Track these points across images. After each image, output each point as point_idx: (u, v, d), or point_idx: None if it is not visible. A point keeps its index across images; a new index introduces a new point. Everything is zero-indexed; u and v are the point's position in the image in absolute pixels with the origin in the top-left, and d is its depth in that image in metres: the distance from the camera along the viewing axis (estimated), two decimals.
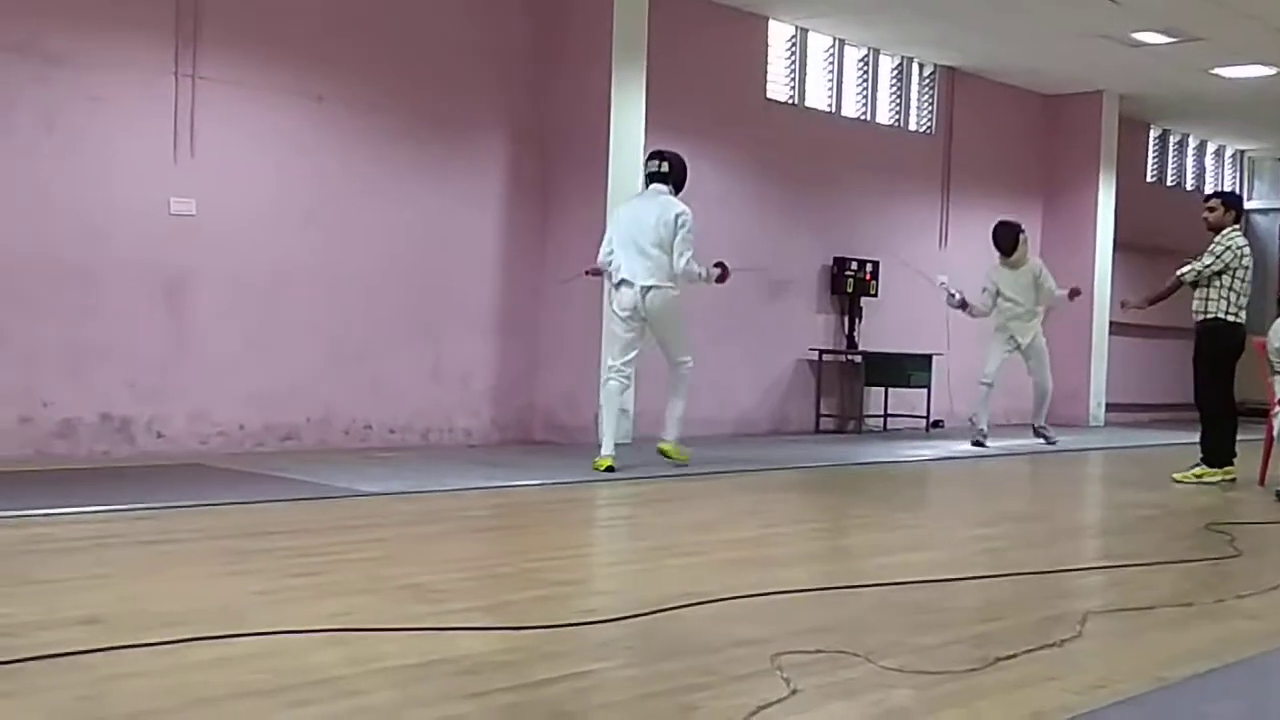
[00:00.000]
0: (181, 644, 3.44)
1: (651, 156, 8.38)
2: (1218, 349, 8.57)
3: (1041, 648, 3.72)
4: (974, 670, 3.44)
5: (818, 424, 11.97)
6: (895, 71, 13.09)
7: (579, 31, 9.87)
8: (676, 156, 8.26)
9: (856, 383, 12.22)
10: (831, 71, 12.39)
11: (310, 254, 8.69)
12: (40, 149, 7.54)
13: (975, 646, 3.71)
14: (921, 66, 13.32)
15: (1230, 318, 8.51)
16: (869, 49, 12.67)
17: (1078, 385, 14.16)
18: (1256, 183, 18.05)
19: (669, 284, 8.03)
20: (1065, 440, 11.74)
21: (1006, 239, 10.99)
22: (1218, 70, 12.82)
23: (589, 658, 3.54)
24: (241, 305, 8.37)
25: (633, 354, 8.09)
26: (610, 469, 7.85)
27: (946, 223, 13.56)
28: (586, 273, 8.59)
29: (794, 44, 11.96)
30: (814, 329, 12.16)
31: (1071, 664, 3.59)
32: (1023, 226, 11.21)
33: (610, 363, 8.17)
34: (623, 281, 8.04)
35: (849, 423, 12.31)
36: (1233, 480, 8.57)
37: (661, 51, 10.08)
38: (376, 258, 9.04)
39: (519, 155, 9.88)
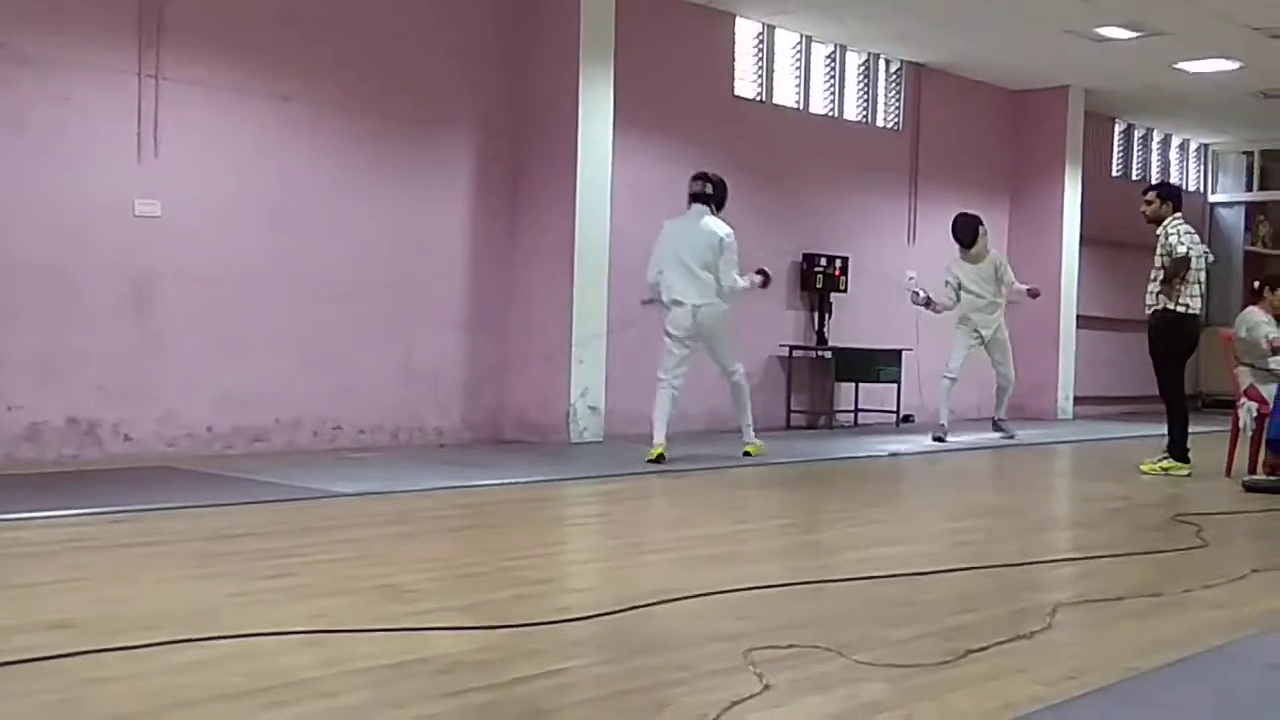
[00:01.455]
0: (157, 647, 3.43)
1: (695, 178, 8.77)
2: (1170, 339, 8.62)
3: (1012, 640, 3.75)
4: (946, 663, 3.47)
5: (789, 420, 12.01)
6: (862, 68, 13.13)
7: (547, 29, 9.87)
8: (718, 178, 8.75)
9: (827, 378, 12.27)
10: (799, 68, 12.43)
11: (278, 255, 8.66)
12: (9, 150, 7.48)
13: (947, 639, 3.74)
14: (889, 63, 13.38)
15: (1180, 309, 8.56)
16: (836, 45, 12.72)
17: (1045, 378, 14.26)
18: (1221, 176, 18.20)
19: (718, 300, 8.54)
20: (1034, 434, 11.83)
21: (966, 232, 11.03)
22: (1182, 65, 12.93)
23: (563, 656, 3.55)
24: (209, 307, 8.33)
25: (685, 367, 8.62)
26: (661, 457, 8.35)
27: (915, 218, 13.63)
28: (643, 303, 9.00)
29: (761, 41, 11.99)
30: (784, 325, 12.19)
31: (1042, 655, 3.62)
32: (982, 219, 11.24)
33: (662, 375, 8.60)
34: (675, 302, 8.51)
35: (820, 418, 12.35)
36: (1188, 474, 8.62)
37: (629, 49, 10.09)
38: (345, 258, 9.01)
39: (487, 154, 9.87)
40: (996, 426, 11.52)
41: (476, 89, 9.81)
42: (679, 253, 8.50)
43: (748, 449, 9.06)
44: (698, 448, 9.73)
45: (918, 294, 11.13)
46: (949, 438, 10.89)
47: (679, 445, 9.59)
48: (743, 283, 8.62)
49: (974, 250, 11.01)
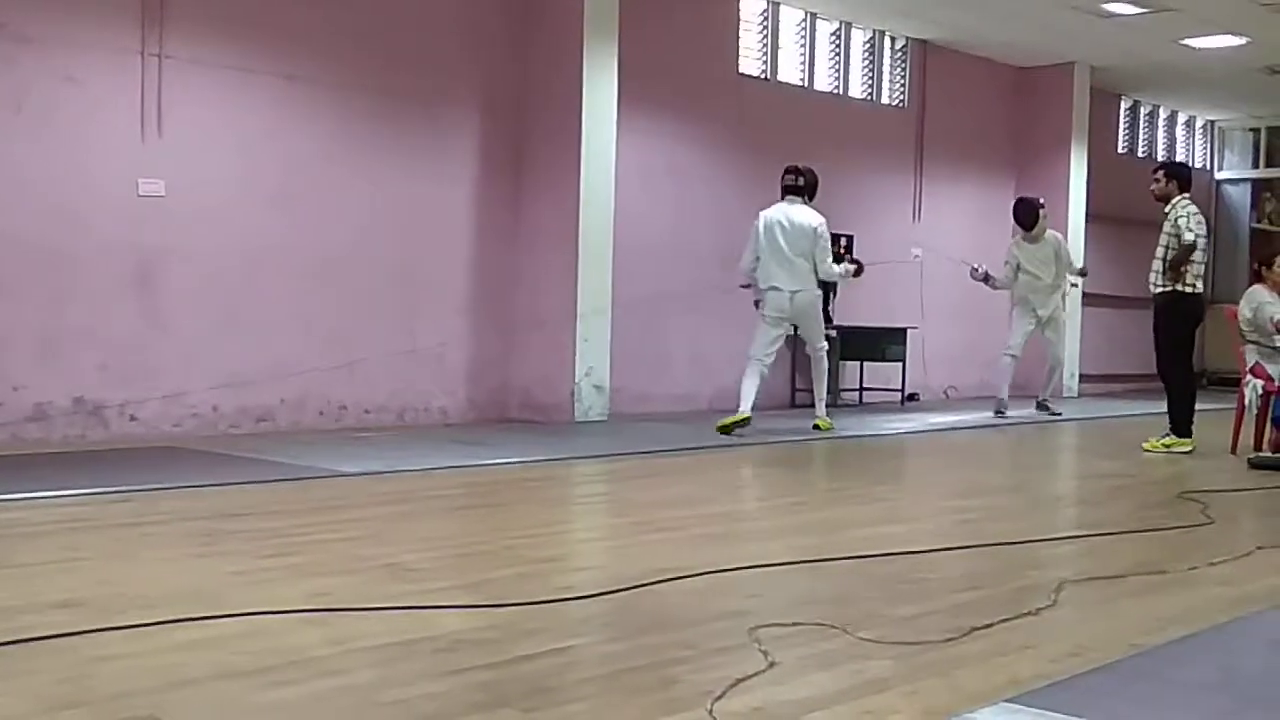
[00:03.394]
0: (160, 626, 3.44)
1: (787, 171, 9.29)
2: (1174, 318, 8.63)
3: (1018, 617, 3.75)
4: (951, 640, 3.47)
5: (793, 398, 11.99)
6: (868, 45, 13.08)
7: (551, 7, 9.82)
8: (810, 170, 9.28)
9: (831, 357, 12.21)
10: (804, 45, 12.37)
11: (282, 234, 8.65)
12: (9, 130, 7.46)
13: (952, 616, 3.74)
14: (894, 40, 13.32)
15: (1186, 288, 8.56)
16: (841, 22, 12.66)
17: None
18: (1227, 153, 18.13)
19: (812, 286, 9.12)
20: (1039, 412, 11.80)
21: (1027, 215, 11.31)
22: (1188, 41, 12.86)
23: (568, 634, 3.56)
24: (213, 286, 8.32)
25: (775, 346, 9.24)
26: (746, 421, 8.88)
27: (920, 195, 13.59)
28: (742, 286, 9.56)
29: (766, 18, 11.93)
30: None
31: (1047, 632, 3.62)
32: (1042, 202, 11.52)
33: (753, 353, 9.17)
34: (772, 288, 9.07)
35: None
36: (1189, 451, 8.61)
37: (633, 26, 10.05)
38: (349, 236, 9.00)
39: (492, 132, 9.84)
40: (1040, 405, 11.70)
41: (480, 67, 9.77)
42: (776, 241, 9.01)
43: (818, 423, 9.43)
44: (704, 425, 9.72)
45: (976, 269, 11.40)
46: (1009, 413, 11.20)
47: (685, 424, 9.61)
48: (838, 270, 9.31)
49: (1033, 232, 11.28)
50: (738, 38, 11.64)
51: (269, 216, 8.58)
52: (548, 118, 9.81)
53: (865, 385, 12.56)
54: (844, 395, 12.45)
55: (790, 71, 12.29)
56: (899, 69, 13.43)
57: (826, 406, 9.73)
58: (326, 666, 3.13)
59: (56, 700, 2.84)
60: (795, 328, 9.48)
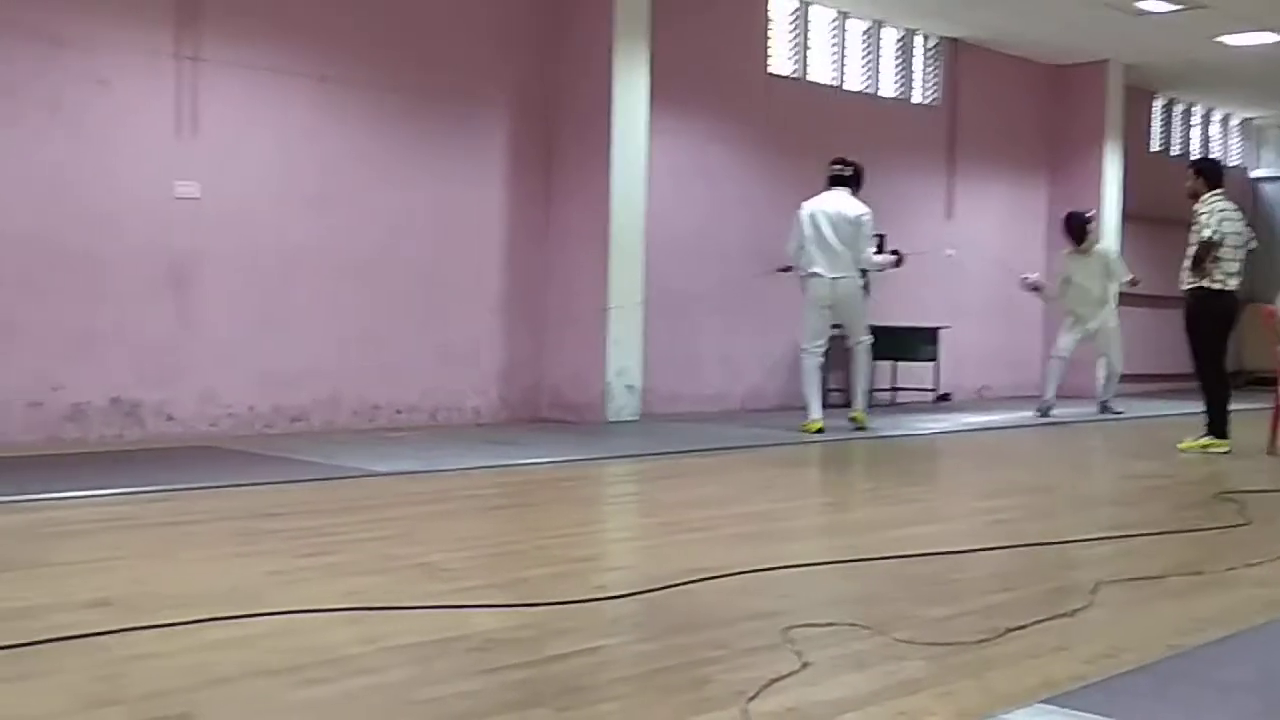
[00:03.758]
0: (196, 625, 3.46)
1: (834, 162, 9.52)
2: (1202, 317, 8.55)
3: (1052, 618, 3.73)
4: (985, 641, 3.45)
5: (825, 398, 11.94)
6: (899, 44, 13.03)
7: (582, 6, 9.84)
8: (855, 161, 9.51)
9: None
10: (835, 45, 12.34)
11: (315, 234, 8.69)
12: (46, 133, 7.54)
13: (986, 617, 3.72)
14: (926, 38, 13.27)
15: (1216, 285, 8.48)
16: (873, 21, 12.62)
17: (1085, 355, 14.10)
18: (1263, 151, 17.96)
19: (854, 274, 9.28)
20: (1073, 411, 11.74)
21: (1076, 229, 11.50)
22: (1223, 38, 12.75)
23: (601, 633, 3.56)
24: (248, 287, 8.37)
25: (825, 336, 9.38)
26: (820, 430, 9.07)
27: (952, 195, 13.53)
28: (779, 270, 9.78)
29: (797, 17, 11.91)
30: None
31: (1082, 634, 3.60)
32: (1092, 216, 11.70)
33: (804, 345, 9.38)
34: (815, 275, 9.20)
35: None
36: (1226, 451, 8.53)
37: (665, 26, 10.05)
38: (382, 237, 9.04)
39: (523, 131, 9.86)
40: (1104, 407, 11.82)
41: (512, 67, 9.79)
42: (820, 230, 9.19)
43: (855, 416, 9.56)
44: (736, 426, 9.72)
45: (1026, 279, 11.67)
46: (1053, 413, 11.37)
47: (716, 424, 9.60)
48: (878, 259, 9.48)
49: (1083, 245, 11.46)
50: (768, 37, 11.62)
51: (303, 217, 8.63)
52: (579, 117, 9.82)
53: (898, 385, 12.51)
54: (876, 395, 12.40)
55: (821, 71, 12.26)
56: (931, 67, 13.37)
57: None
58: (360, 665, 3.14)
59: (91, 698, 2.86)
60: (837, 326, 9.55)
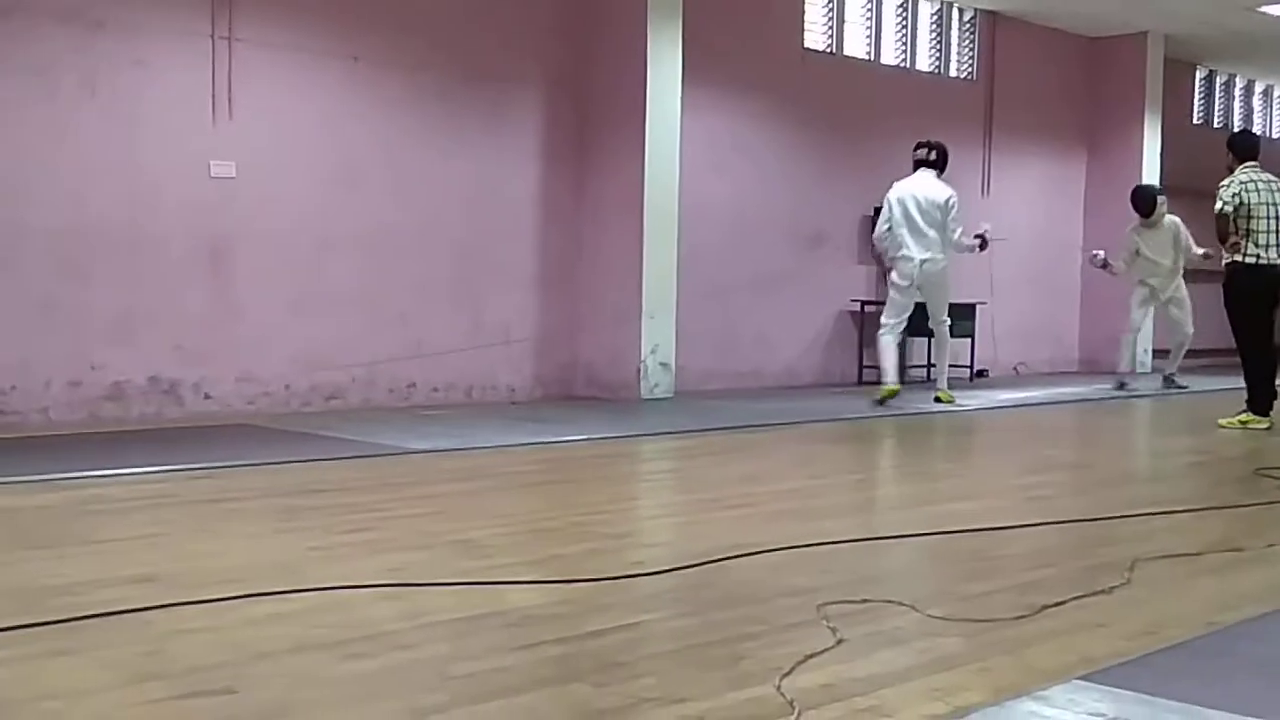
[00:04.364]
0: (238, 600, 3.50)
1: (919, 146, 9.76)
2: (1236, 292, 8.49)
3: (1090, 595, 3.72)
4: (1022, 618, 3.45)
5: (860, 375, 11.93)
6: (935, 17, 12.92)
7: None
8: (940, 144, 9.77)
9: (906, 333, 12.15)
10: (870, 19, 12.25)
11: (350, 214, 8.72)
12: (83, 115, 7.59)
13: (1023, 594, 3.72)
14: (961, 11, 13.15)
15: (1248, 259, 8.40)
16: None
17: (1124, 330, 14.01)
18: None
19: (941, 255, 9.52)
20: (1097, 388, 11.67)
21: (1145, 202, 11.59)
22: (1265, 8, 12.57)
23: (638, 609, 3.57)
24: (283, 266, 8.42)
25: (906, 314, 9.70)
26: (895, 394, 9.52)
27: (989, 170, 13.43)
28: (874, 254, 10.36)
29: None
30: (855, 280, 12.09)
31: (1121, 611, 3.59)
32: (1161, 190, 11.77)
33: (886, 321, 9.69)
34: (904, 256, 9.52)
35: None
36: (1267, 428, 8.46)
37: (697, 3, 10.01)
38: (417, 216, 9.07)
39: (556, 111, 9.85)
40: (1167, 380, 11.91)
41: (545, 46, 9.78)
42: (909, 211, 9.47)
43: (939, 395, 9.92)
44: (771, 403, 9.71)
45: (1095, 256, 11.75)
46: (1129, 384, 11.54)
47: (752, 401, 9.61)
48: (965, 241, 9.66)
49: (1152, 219, 11.54)
50: (803, 12, 11.55)
51: (337, 196, 8.66)
52: (613, 95, 9.80)
53: (933, 362, 12.44)
54: (912, 372, 12.37)
55: (856, 45, 12.18)
56: (967, 41, 13.26)
57: (904, 383, 9.82)
58: (400, 640, 3.18)
59: (136, 673, 2.90)
60: (920, 305, 9.78)
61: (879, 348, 9.76)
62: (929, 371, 12.43)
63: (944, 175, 9.67)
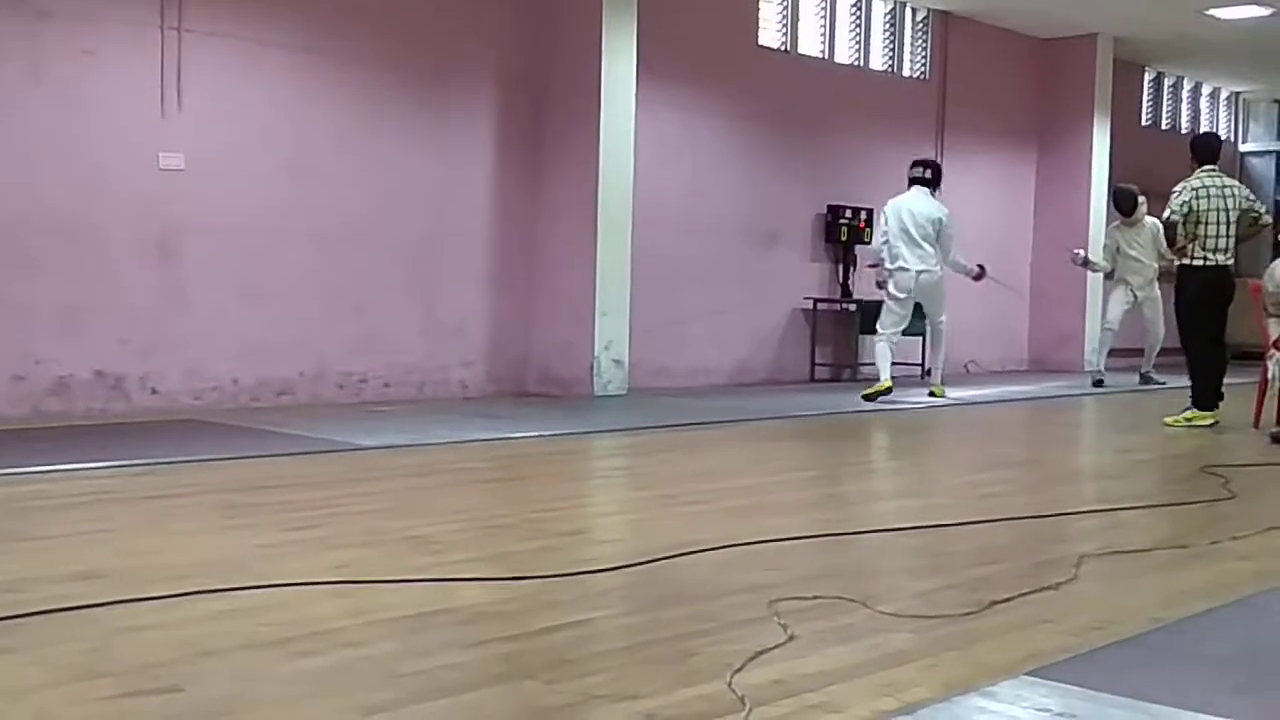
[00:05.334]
0: (184, 597, 3.46)
1: (915, 164, 10.23)
2: (1186, 292, 8.64)
3: (1038, 590, 3.75)
4: (971, 614, 3.47)
5: (813, 373, 11.97)
6: (888, 17, 12.98)
7: None
8: (935, 162, 10.37)
9: (851, 331, 12.20)
10: (824, 17, 12.29)
11: (301, 207, 8.65)
12: (29, 104, 7.47)
13: (972, 590, 3.74)
14: (915, 11, 13.22)
15: (1196, 261, 8.54)
16: None
17: (1073, 330, 14.17)
18: (1251, 124, 17.96)
19: (936, 268, 9.96)
20: (1059, 386, 11.79)
21: (1126, 201, 11.84)
22: (1212, 11, 12.73)
23: (588, 606, 3.56)
24: (233, 260, 8.33)
25: (903, 325, 10.04)
26: (889, 390, 9.72)
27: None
28: (869, 266, 10.72)
29: None
30: (808, 278, 12.13)
31: (1068, 606, 3.62)
32: (1140, 191, 11.90)
33: (883, 331, 10.01)
34: (900, 269, 9.87)
35: (844, 371, 12.31)
36: (1213, 424, 8.57)
37: (653, 1, 10.00)
38: (368, 210, 9.00)
39: (510, 105, 9.81)
40: (1144, 379, 12.13)
41: (499, 41, 9.74)
42: (904, 226, 9.85)
43: (933, 390, 10.32)
44: (724, 400, 9.73)
45: (1077, 255, 12.13)
46: (1106, 382, 11.83)
47: (704, 399, 9.62)
48: (963, 262, 10.25)
49: (1133, 218, 11.79)
50: (757, 10, 11.57)
51: (289, 189, 8.58)
52: (567, 91, 9.78)
53: (930, 360, 12.50)
54: (863, 370, 12.42)
55: (811, 44, 12.21)
56: (920, 41, 13.33)
57: (846, 381, 9.84)
58: (349, 638, 3.15)
59: (80, 670, 2.86)
60: (918, 306, 10.13)
61: (876, 352, 10.08)
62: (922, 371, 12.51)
63: (937, 192, 10.07)
